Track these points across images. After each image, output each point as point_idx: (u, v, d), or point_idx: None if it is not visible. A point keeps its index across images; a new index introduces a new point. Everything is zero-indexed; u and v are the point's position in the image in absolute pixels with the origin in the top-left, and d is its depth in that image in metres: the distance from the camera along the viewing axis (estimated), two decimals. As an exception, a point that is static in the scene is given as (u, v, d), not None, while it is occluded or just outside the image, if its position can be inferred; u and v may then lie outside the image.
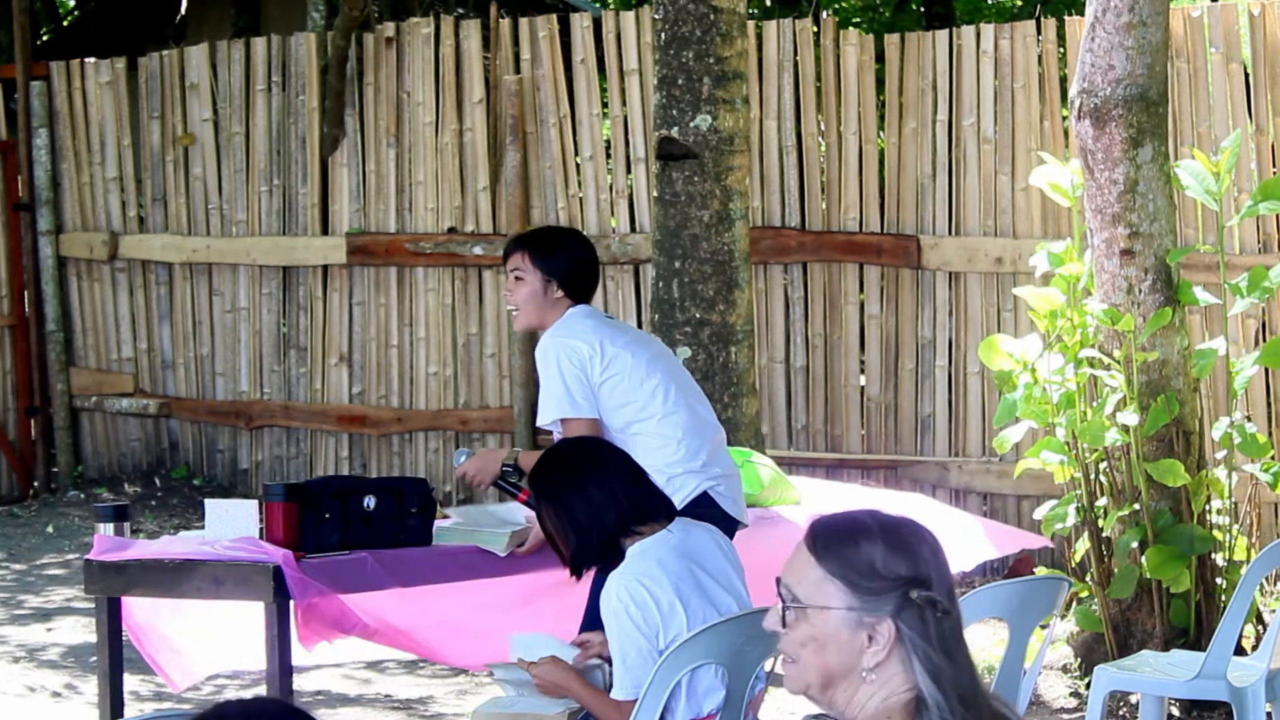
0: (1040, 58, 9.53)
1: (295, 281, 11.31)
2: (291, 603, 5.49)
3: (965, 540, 7.03)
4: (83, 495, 11.74)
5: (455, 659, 6.78)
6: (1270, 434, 8.77)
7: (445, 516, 6.03)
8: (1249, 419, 7.87)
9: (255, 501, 5.89)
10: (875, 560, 2.78)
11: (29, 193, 11.89)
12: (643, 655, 4.65)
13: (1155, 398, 7.07)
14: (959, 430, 9.68)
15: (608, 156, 10.77)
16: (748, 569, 5.05)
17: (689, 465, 5.72)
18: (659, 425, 5.72)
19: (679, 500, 5.68)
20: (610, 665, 4.91)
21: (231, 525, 5.65)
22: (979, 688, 2.80)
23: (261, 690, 6.40)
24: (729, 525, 5.81)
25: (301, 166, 11.21)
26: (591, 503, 4.82)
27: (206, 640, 6.17)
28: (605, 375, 5.70)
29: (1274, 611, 7.36)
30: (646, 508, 4.87)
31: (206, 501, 5.88)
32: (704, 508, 5.72)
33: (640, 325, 10.26)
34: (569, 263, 5.82)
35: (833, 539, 2.83)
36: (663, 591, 4.70)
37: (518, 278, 5.82)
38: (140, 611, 5.99)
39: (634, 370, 5.74)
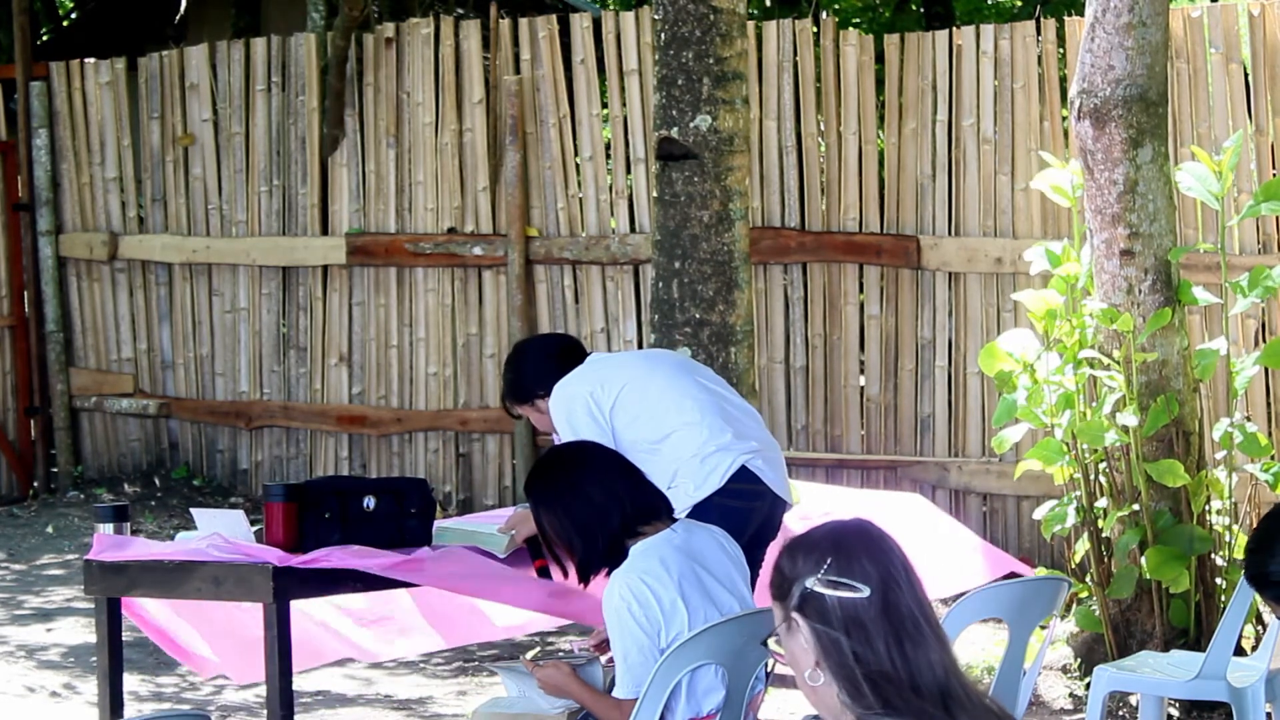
0: (1040, 58, 9.52)
1: (295, 281, 11.30)
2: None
3: (953, 560, 6.99)
4: (83, 495, 11.74)
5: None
6: (1270, 434, 8.76)
7: (446, 515, 6.05)
8: (1249, 419, 7.87)
9: (241, 512, 5.89)
10: (783, 569, 2.88)
11: (29, 193, 11.89)
12: (644, 654, 4.64)
13: (1155, 398, 7.07)
14: (959, 430, 9.68)
15: (608, 157, 10.76)
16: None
17: (719, 441, 5.73)
18: (679, 414, 5.76)
19: (718, 478, 5.68)
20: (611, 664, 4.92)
21: (224, 531, 5.65)
22: (913, 675, 2.76)
23: (261, 690, 6.41)
24: (778, 505, 5.81)
25: (301, 166, 11.21)
26: (594, 504, 4.80)
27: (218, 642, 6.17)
28: (615, 396, 5.78)
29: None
30: (649, 507, 4.86)
31: (194, 511, 5.89)
32: (748, 484, 5.71)
33: (640, 325, 10.27)
34: (533, 376, 5.97)
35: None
36: (665, 590, 4.69)
37: (530, 418, 6.06)
38: (154, 613, 5.99)
39: (637, 379, 5.85)
